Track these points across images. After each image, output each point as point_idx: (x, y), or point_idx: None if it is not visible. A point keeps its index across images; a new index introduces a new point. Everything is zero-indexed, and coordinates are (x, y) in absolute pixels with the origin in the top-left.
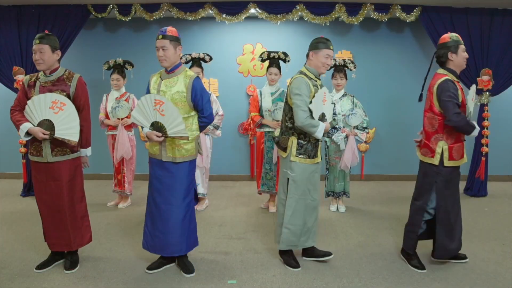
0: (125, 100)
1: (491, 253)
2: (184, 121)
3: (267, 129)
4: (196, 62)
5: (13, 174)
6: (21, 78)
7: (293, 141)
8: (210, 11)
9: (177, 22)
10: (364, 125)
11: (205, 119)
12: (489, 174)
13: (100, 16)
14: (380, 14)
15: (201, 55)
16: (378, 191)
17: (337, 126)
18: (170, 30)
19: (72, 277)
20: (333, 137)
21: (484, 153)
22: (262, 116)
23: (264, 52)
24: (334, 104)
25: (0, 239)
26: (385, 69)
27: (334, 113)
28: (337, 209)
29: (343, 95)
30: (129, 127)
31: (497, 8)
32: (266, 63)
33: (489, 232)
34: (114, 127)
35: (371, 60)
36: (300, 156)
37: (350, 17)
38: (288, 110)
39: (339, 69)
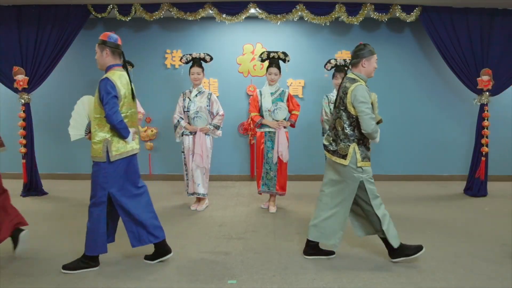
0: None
1: (491, 253)
2: (97, 121)
3: (267, 129)
4: (197, 62)
5: (13, 174)
6: (21, 78)
7: (354, 148)
8: (210, 11)
9: (177, 22)
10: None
11: (107, 119)
12: (489, 174)
13: (100, 16)
14: (380, 14)
15: (202, 55)
16: (378, 191)
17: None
18: (102, 35)
19: (72, 277)
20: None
21: (484, 153)
22: (262, 116)
23: (263, 52)
24: None
25: None
26: (385, 69)
27: None
28: None
29: None
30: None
31: (497, 8)
32: (266, 63)
33: (489, 232)
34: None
35: None
36: (365, 160)
37: (350, 17)
38: (347, 117)
39: (340, 69)
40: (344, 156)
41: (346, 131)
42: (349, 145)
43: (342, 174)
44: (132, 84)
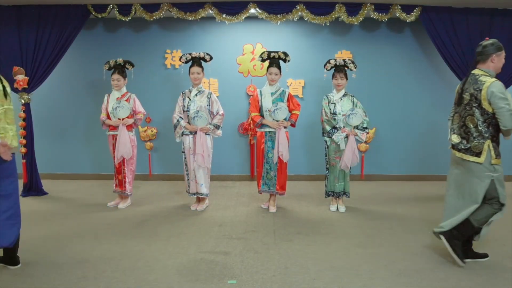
0: (126, 100)
1: (491, 253)
2: None
3: (267, 129)
4: (196, 61)
5: None
6: (21, 78)
7: (489, 145)
8: (210, 11)
9: (177, 22)
10: (364, 125)
11: None
12: None
13: (100, 16)
14: (380, 14)
15: (201, 55)
16: (378, 191)
17: (337, 126)
18: None
19: (72, 277)
20: (333, 137)
21: None
22: (262, 116)
23: (264, 52)
24: None
25: None
26: (385, 69)
27: (334, 113)
28: (337, 209)
29: (344, 95)
30: (129, 127)
31: (497, 8)
32: (266, 63)
33: (489, 232)
34: (115, 127)
35: (371, 60)
36: (498, 157)
37: (350, 17)
38: (481, 114)
39: (340, 69)
40: (478, 154)
41: (480, 128)
42: (483, 142)
43: (473, 173)
44: (3, 82)
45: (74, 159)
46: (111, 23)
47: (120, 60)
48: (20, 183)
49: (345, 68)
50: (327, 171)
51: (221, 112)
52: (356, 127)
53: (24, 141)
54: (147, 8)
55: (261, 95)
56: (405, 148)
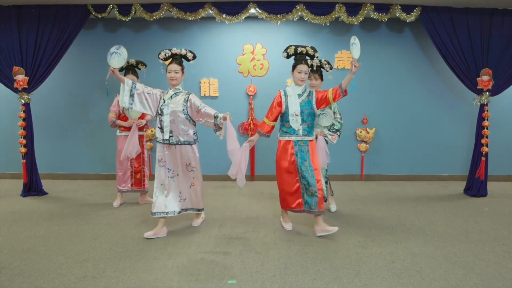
0: None
1: (491, 253)
2: None
3: (294, 137)
4: (176, 59)
5: (13, 174)
6: (21, 78)
7: None
8: (210, 11)
9: (177, 22)
10: (336, 127)
11: None
12: (489, 174)
13: (100, 16)
14: (380, 14)
15: (183, 52)
16: (378, 191)
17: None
18: None
19: (72, 277)
20: None
21: (484, 153)
22: (287, 120)
23: (289, 46)
24: None
25: (0, 239)
26: (385, 69)
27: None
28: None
29: None
30: (142, 128)
31: (497, 8)
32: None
33: (489, 232)
34: (128, 128)
35: (371, 60)
36: None
37: (350, 17)
38: None
39: (316, 69)
40: None
41: None
42: None
43: None
44: None
45: (74, 159)
46: (111, 23)
47: (132, 61)
48: (20, 183)
49: (321, 69)
50: None
51: (203, 105)
52: (328, 129)
53: (24, 141)
54: (147, 8)
55: (286, 96)
56: (405, 148)
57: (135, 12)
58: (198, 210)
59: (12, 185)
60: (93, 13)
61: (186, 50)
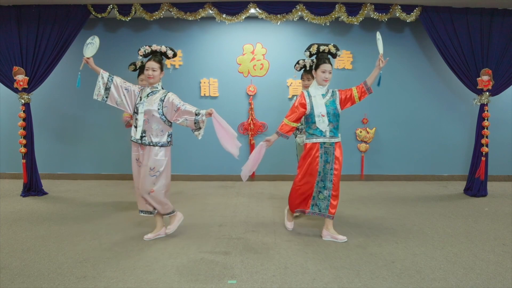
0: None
1: (491, 253)
2: None
3: (322, 139)
4: (156, 56)
5: (13, 174)
6: (21, 78)
7: None
8: (210, 11)
9: (177, 22)
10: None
11: None
12: (489, 174)
13: (100, 16)
14: (380, 14)
15: (163, 49)
16: (378, 191)
17: (300, 127)
18: None
19: (72, 277)
20: (296, 138)
21: (484, 153)
22: (314, 122)
23: (312, 45)
24: None
25: (0, 239)
26: (385, 69)
27: None
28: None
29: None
30: None
31: (497, 8)
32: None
33: (489, 232)
34: None
35: (371, 60)
36: None
37: (350, 17)
38: None
39: (308, 70)
40: None
41: None
42: None
43: None
44: None
45: (74, 159)
46: (111, 23)
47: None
48: (20, 183)
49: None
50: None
51: (182, 103)
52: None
53: (24, 141)
54: (147, 8)
55: (310, 96)
56: (405, 148)
57: (135, 12)
58: (167, 214)
59: (12, 185)
60: (93, 13)
61: (166, 47)
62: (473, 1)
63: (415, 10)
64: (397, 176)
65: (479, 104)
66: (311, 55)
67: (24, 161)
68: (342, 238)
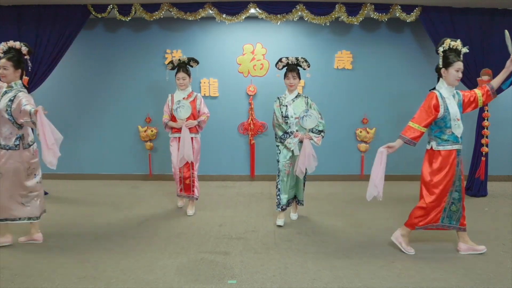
0: (193, 100)
1: (491, 253)
2: None
3: (457, 146)
4: (182, 67)
5: None
6: None
7: None
8: (210, 11)
9: (177, 22)
10: (320, 128)
11: None
12: (489, 174)
13: (100, 16)
14: (380, 14)
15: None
16: None
17: (289, 130)
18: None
19: (72, 277)
20: (285, 142)
21: (484, 153)
22: (449, 126)
23: (445, 39)
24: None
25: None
26: (385, 69)
27: (286, 116)
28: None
29: (296, 96)
30: (194, 129)
31: (497, 8)
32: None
33: (489, 232)
34: (179, 130)
35: (371, 60)
36: None
37: (350, 17)
38: None
39: (292, 67)
40: None
41: None
42: None
43: None
44: None
45: (75, 159)
46: (111, 23)
47: (184, 58)
48: None
49: (298, 67)
50: (278, 179)
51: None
52: (311, 130)
53: None
54: (147, 8)
55: (443, 98)
56: (405, 148)
57: (135, 12)
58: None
59: None
60: (93, 13)
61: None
62: (473, 1)
63: (415, 10)
64: (396, 176)
65: None
66: (448, 50)
67: None
68: (481, 248)
